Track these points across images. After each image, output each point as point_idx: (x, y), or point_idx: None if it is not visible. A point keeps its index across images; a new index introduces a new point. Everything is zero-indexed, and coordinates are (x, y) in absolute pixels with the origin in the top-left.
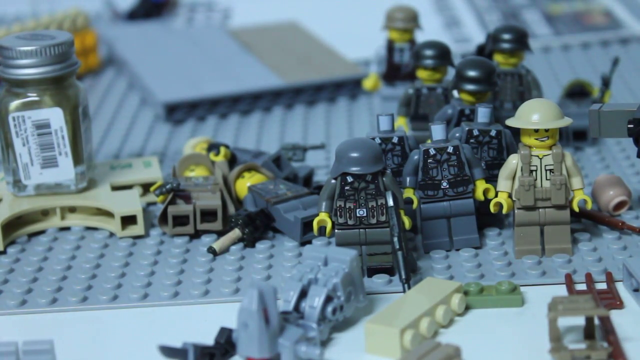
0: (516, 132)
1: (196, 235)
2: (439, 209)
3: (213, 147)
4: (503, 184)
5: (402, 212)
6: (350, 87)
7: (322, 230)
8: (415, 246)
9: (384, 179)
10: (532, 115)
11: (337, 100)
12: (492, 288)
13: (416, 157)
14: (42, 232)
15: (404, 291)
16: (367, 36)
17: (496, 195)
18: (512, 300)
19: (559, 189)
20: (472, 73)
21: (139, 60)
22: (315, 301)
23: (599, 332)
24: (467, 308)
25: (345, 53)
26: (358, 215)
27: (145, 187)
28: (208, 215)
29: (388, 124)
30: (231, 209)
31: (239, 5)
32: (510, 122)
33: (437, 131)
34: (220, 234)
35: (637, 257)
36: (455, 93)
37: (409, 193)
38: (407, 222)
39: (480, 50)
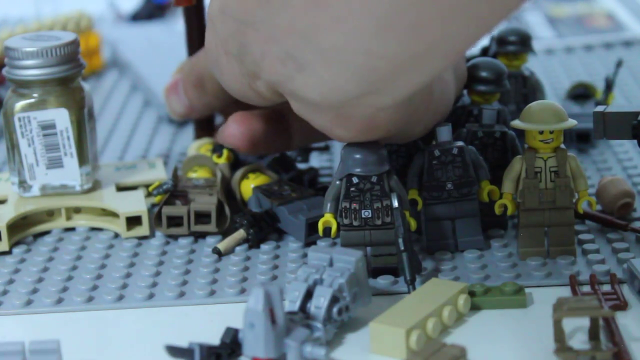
0: (521, 134)
1: (201, 235)
2: (444, 210)
3: (216, 148)
4: (508, 185)
5: (407, 213)
6: None
7: (327, 231)
8: (420, 247)
9: (389, 180)
10: (537, 117)
11: None
12: (497, 289)
13: (421, 158)
14: (47, 232)
15: (409, 292)
16: None
17: (501, 197)
18: (517, 301)
19: (564, 191)
20: (483, 74)
21: (143, 61)
22: (321, 301)
23: (603, 333)
24: (473, 309)
25: None
26: (363, 216)
27: None
28: (203, 216)
29: None
30: (230, 211)
31: None
32: (515, 124)
33: (443, 133)
34: (225, 234)
35: None
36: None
37: (413, 194)
38: (412, 223)
39: (484, 52)
